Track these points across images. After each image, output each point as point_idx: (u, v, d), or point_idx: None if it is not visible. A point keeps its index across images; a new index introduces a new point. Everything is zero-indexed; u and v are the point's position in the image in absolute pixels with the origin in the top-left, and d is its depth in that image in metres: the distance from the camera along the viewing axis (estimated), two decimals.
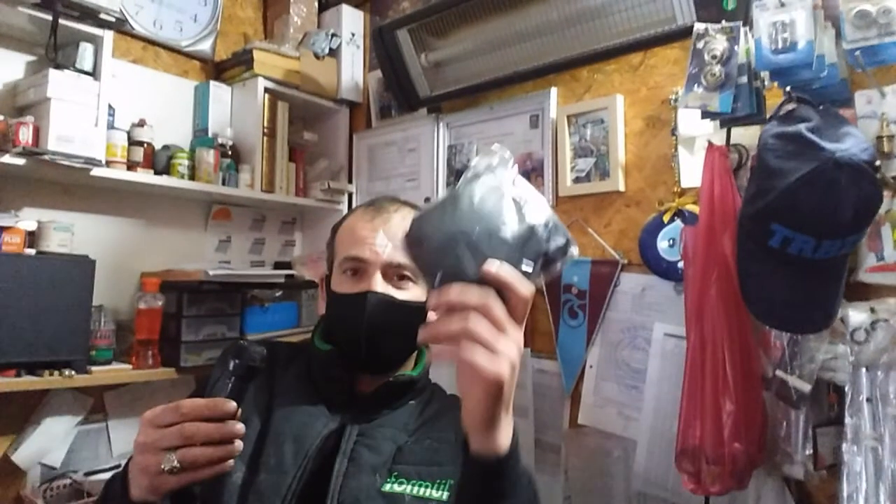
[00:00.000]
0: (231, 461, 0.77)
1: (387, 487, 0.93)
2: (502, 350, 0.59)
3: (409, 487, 0.94)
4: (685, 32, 1.34)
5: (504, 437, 0.66)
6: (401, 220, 1.06)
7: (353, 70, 2.23)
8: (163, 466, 0.73)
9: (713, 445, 1.07)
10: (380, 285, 1.01)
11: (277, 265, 2.24)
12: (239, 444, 0.78)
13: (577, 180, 1.66)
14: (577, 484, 1.59)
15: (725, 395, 1.07)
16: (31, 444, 1.65)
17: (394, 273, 1.03)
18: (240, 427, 0.78)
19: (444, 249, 0.60)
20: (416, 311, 1.05)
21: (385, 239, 1.00)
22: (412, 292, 1.04)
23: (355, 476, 0.93)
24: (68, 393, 1.70)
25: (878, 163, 0.98)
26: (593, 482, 1.56)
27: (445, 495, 0.94)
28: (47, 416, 1.68)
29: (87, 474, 1.72)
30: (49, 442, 1.68)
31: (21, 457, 1.63)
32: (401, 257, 1.03)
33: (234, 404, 0.78)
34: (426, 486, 0.95)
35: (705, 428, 1.09)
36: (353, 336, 1.01)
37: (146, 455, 0.75)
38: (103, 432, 1.83)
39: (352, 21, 2.24)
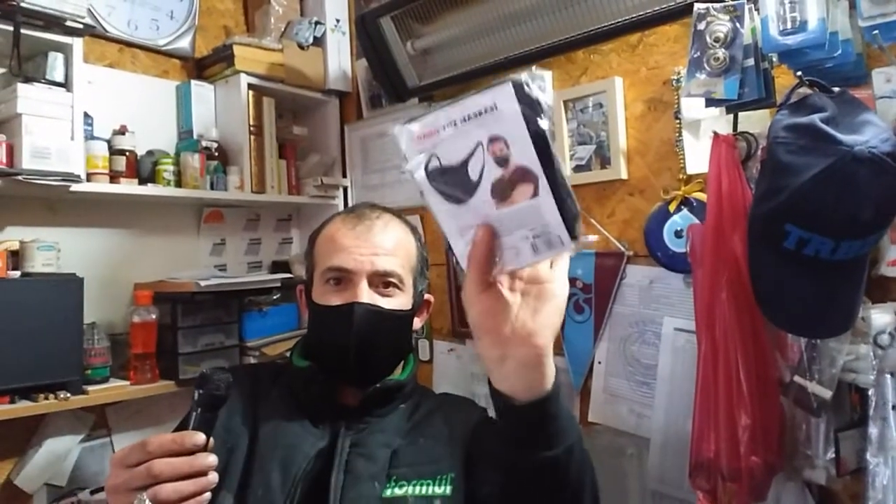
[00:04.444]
0: (207, 494, 0.75)
1: (387, 493, 0.92)
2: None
3: (411, 489, 0.93)
4: (686, 10, 1.24)
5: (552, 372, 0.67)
6: (383, 226, 1.03)
7: (339, 58, 2.13)
8: None
9: (729, 460, 1.01)
10: (366, 295, 0.98)
11: (275, 265, 2.19)
12: (213, 475, 0.76)
13: (576, 169, 1.58)
14: None
15: (740, 408, 1.01)
16: (34, 467, 1.62)
17: (379, 281, 1.00)
18: (211, 459, 0.76)
19: None
20: (403, 321, 1.04)
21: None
22: (398, 300, 1.02)
23: (353, 488, 0.91)
24: (68, 412, 1.67)
25: None
26: (607, 481, 1.49)
27: (449, 489, 0.93)
28: (48, 437, 1.65)
29: (94, 492, 1.70)
30: (52, 463, 1.66)
31: (24, 480, 1.61)
32: (387, 265, 0.99)
33: (202, 436, 0.76)
34: (427, 484, 0.94)
35: (720, 441, 1.03)
36: (341, 349, 0.97)
37: (118, 497, 0.74)
38: (108, 447, 1.80)
39: (336, 6, 2.13)
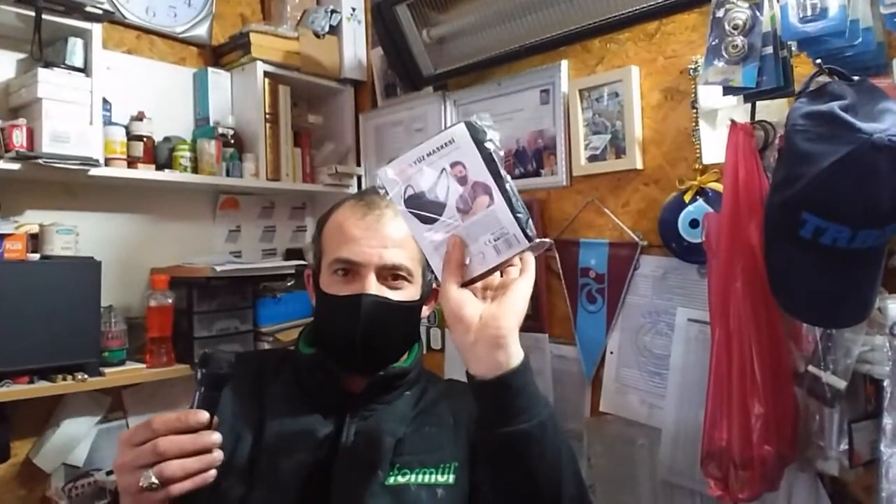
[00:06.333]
0: (212, 471, 0.76)
1: (390, 480, 0.92)
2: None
3: (413, 477, 0.93)
4: None
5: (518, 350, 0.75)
6: (393, 217, 1.01)
7: (355, 47, 2.14)
8: (141, 484, 0.73)
9: (741, 448, 1.01)
10: (374, 287, 0.98)
11: (289, 252, 2.20)
12: (218, 453, 0.77)
13: (591, 158, 1.58)
14: (601, 472, 1.55)
15: (754, 396, 1.00)
16: (52, 447, 1.65)
17: (388, 274, 1.00)
18: (215, 437, 0.77)
19: None
20: (411, 312, 1.04)
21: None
22: (406, 292, 1.01)
23: (356, 475, 0.92)
24: (85, 394, 1.70)
25: None
26: (617, 471, 1.52)
27: (452, 478, 0.94)
28: (65, 417, 1.68)
29: (109, 473, 1.73)
30: (69, 443, 1.69)
31: (42, 459, 1.64)
32: (396, 258, 0.99)
33: (205, 414, 0.77)
34: (430, 473, 0.94)
35: (732, 429, 1.03)
36: (347, 340, 0.97)
37: (125, 475, 0.75)
38: (124, 429, 1.83)
39: None
